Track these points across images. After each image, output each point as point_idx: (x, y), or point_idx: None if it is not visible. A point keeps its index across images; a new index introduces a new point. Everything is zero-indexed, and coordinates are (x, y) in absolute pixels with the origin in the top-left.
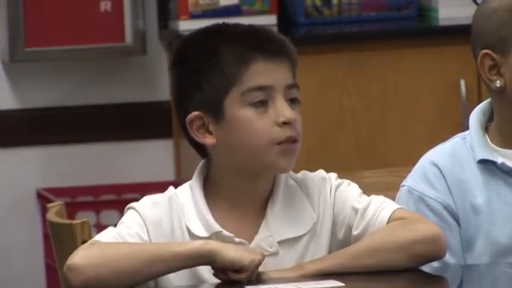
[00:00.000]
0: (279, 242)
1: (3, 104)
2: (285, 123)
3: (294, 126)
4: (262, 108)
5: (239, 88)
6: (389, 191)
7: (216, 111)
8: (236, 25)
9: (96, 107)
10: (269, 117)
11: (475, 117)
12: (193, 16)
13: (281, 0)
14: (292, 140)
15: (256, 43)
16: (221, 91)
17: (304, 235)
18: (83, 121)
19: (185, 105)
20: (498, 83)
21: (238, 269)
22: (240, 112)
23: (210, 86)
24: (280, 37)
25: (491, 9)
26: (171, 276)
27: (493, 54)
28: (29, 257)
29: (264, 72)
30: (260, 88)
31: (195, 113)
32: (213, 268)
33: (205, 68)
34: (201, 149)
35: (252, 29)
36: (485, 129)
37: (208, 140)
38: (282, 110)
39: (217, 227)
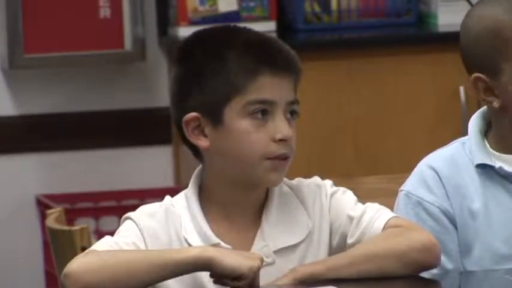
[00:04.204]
0: (275, 252)
1: (3, 111)
2: (281, 140)
3: (289, 143)
4: (261, 121)
5: (242, 98)
6: (389, 197)
7: (215, 115)
8: (246, 31)
9: (96, 114)
10: (267, 132)
11: (475, 122)
12: (193, 22)
13: (280, 6)
14: (284, 157)
15: (265, 56)
16: (223, 97)
17: (300, 243)
18: (83, 127)
19: (183, 103)
20: (496, 104)
21: (236, 276)
22: (239, 122)
23: (213, 89)
24: (288, 51)
25: (475, 34)
26: (171, 282)
27: (485, 78)
28: (28, 264)
29: (270, 87)
30: (263, 102)
31: (193, 114)
32: (211, 276)
33: (210, 70)
34: (196, 150)
35: (261, 39)
36: (485, 134)
37: (202, 143)
38: (281, 127)
39: (214, 239)
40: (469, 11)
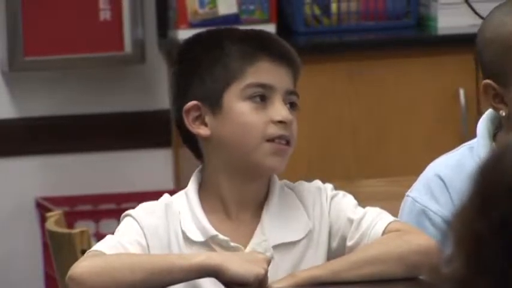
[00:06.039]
0: (274, 247)
1: (3, 113)
2: (281, 123)
3: (289, 127)
4: (261, 105)
5: (241, 82)
6: (389, 200)
7: (214, 102)
8: (244, 29)
9: (95, 116)
10: (266, 114)
11: (483, 124)
12: (193, 25)
13: (280, 9)
14: (284, 140)
15: (263, 43)
16: (222, 83)
17: (300, 241)
18: (82, 130)
19: (183, 95)
20: (503, 112)
21: (242, 284)
22: (238, 105)
23: (212, 77)
24: (285, 44)
25: (489, 39)
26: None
27: (494, 85)
28: (28, 266)
29: (268, 72)
30: (262, 85)
31: (193, 102)
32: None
33: (209, 59)
34: (195, 148)
35: (259, 32)
36: (493, 136)
37: (202, 131)
38: (280, 110)
39: (212, 231)
40: (487, 17)
